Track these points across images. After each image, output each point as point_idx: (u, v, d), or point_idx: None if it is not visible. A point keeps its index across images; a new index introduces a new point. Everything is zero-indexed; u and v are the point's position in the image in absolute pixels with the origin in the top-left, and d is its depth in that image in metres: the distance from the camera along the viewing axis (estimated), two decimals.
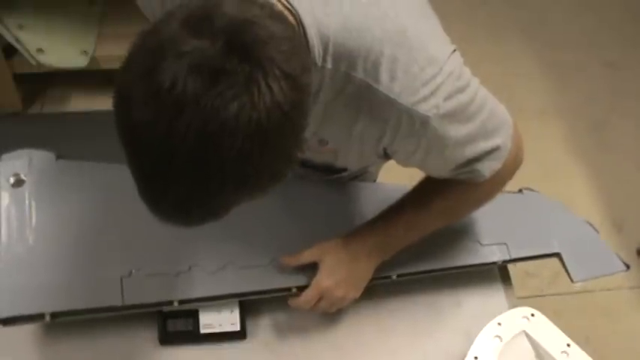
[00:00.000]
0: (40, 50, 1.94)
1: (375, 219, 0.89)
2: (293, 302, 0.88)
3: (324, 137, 0.79)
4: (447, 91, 0.71)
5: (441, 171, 0.82)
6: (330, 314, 0.93)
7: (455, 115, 0.73)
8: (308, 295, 0.86)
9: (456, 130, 0.74)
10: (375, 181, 1.14)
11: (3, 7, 1.91)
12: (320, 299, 0.87)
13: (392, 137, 0.74)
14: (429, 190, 0.87)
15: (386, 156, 0.82)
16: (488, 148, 0.79)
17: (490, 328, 0.88)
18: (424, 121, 0.71)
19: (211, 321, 0.88)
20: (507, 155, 0.82)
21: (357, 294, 0.88)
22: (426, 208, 0.87)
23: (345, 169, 0.97)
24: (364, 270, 0.88)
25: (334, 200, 0.98)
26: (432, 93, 0.70)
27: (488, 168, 0.81)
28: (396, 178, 0.94)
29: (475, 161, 0.79)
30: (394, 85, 0.69)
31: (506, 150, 0.81)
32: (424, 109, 0.70)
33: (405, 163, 0.81)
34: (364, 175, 1.10)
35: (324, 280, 0.86)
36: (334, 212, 0.97)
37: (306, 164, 0.98)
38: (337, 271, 0.86)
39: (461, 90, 0.73)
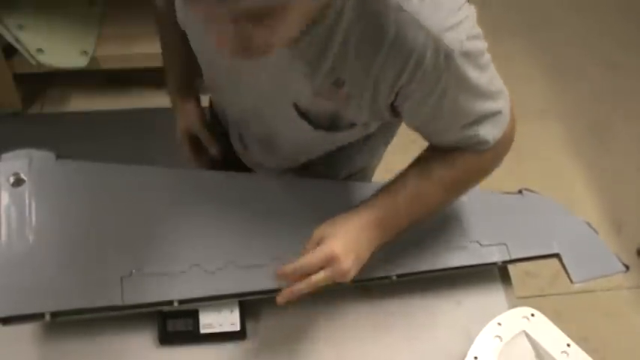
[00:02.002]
0: (40, 50, 1.94)
1: (377, 194, 0.85)
2: (289, 266, 0.78)
3: (340, 76, 0.76)
4: (468, 31, 0.71)
5: (448, 131, 0.81)
6: (330, 314, 0.93)
7: (475, 59, 0.73)
8: (314, 257, 0.77)
9: (474, 74, 0.74)
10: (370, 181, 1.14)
11: (3, 7, 1.91)
12: (321, 268, 0.78)
13: (411, 74, 0.72)
14: (431, 162, 0.85)
15: (393, 112, 0.80)
16: (493, 109, 0.80)
17: (490, 328, 0.88)
18: (448, 55, 0.70)
19: (211, 321, 0.88)
20: (506, 126, 0.82)
21: (356, 272, 0.81)
22: (430, 180, 0.84)
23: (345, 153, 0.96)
24: (369, 245, 0.83)
25: (334, 200, 0.98)
26: (458, 25, 0.70)
27: (490, 134, 0.81)
28: None
29: (479, 123, 0.79)
30: (423, 8, 0.69)
31: (506, 118, 0.82)
32: (449, 39, 0.69)
33: (413, 116, 0.80)
34: (362, 173, 1.10)
35: (336, 245, 0.78)
36: (334, 212, 0.97)
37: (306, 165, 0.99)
38: (347, 242, 0.80)
39: (478, 37, 0.74)
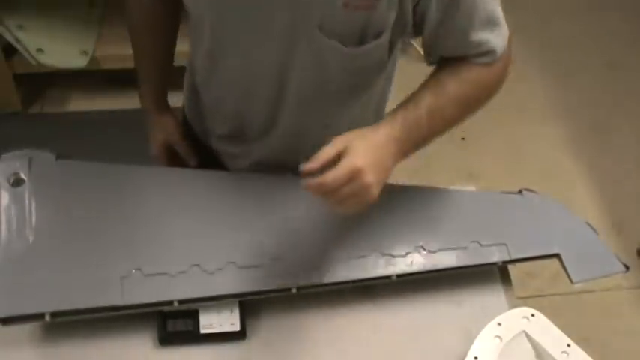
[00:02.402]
0: (40, 50, 1.94)
1: (395, 111, 0.85)
2: (315, 182, 0.75)
3: None
4: None
5: (464, 32, 0.85)
6: (330, 314, 0.93)
7: None
8: (339, 173, 0.75)
9: None
10: None
11: (3, 8, 1.91)
12: (346, 183, 0.76)
13: None
14: (443, 79, 0.88)
15: (415, 16, 0.84)
16: (500, 15, 0.86)
17: (490, 328, 0.88)
18: None
19: (211, 321, 0.88)
20: (506, 42, 0.88)
21: (380, 187, 0.79)
22: (444, 96, 0.87)
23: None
24: (390, 160, 0.82)
25: None
26: None
27: (498, 44, 0.87)
28: (393, 178, 0.93)
29: (490, 28, 0.85)
30: None
31: (507, 33, 0.88)
32: None
33: (436, 11, 0.83)
34: None
35: (358, 159, 0.76)
36: (333, 212, 0.97)
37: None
38: (369, 154, 0.78)
39: None
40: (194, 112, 1.14)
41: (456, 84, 0.88)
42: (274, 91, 0.94)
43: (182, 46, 1.07)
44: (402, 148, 0.84)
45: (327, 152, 0.77)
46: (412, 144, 0.85)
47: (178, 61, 1.12)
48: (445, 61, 0.90)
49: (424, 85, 0.88)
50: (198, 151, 1.14)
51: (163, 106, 1.14)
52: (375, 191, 0.79)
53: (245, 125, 1.04)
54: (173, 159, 1.14)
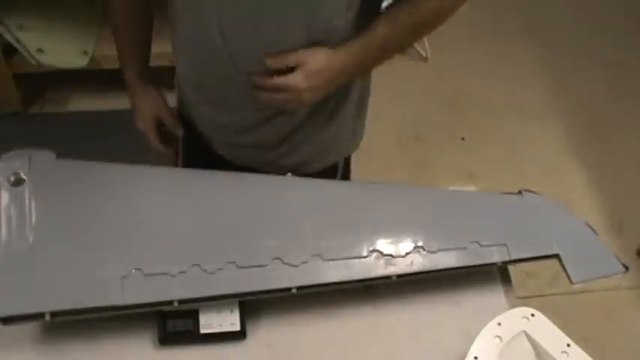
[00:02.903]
0: (40, 50, 1.94)
1: (350, 42, 0.95)
2: (263, 82, 0.95)
3: None
4: None
5: None
6: (330, 314, 0.93)
7: None
8: (278, 82, 0.93)
9: None
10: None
11: (3, 8, 1.91)
12: (283, 91, 0.94)
13: None
14: (398, 10, 0.95)
15: None
16: None
17: (490, 328, 0.88)
18: None
19: (211, 321, 0.88)
20: None
21: (309, 101, 0.97)
22: (397, 26, 0.95)
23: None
24: (329, 84, 0.97)
25: (333, 200, 0.98)
26: None
27: None
28: (393, 178, 0.93)
29: None
30: None
31: None
32: None
33: None
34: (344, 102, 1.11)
35: (301, 82, 0.93)
36: (333, 212, 0.97)
37: None
38: (314, 78, 0.94)
39: None
40: (182, 94, 1.16)
41: (410, 14, 0.94)
42: (270, 39, 0.95)
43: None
44: (347, 74, 0.98)
45: (284, 59, 0.93)
46: (360, 70, 1.00)
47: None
48: None
49: (380, 16, 0.95)
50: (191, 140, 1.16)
51: (147, 80, 1.15)
52: (304, 104, 0.97)
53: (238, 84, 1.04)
54: (160, 133, 1.16)
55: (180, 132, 1.15)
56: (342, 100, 1.10)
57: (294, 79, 0.93)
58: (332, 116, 1.11)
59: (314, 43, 0.94)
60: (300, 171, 1.09)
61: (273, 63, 0.94)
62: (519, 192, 1.07)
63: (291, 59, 0.93)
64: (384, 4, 1.00)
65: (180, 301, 0.85)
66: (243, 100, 1.04)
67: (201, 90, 1.09)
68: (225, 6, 0.92)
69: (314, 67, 0.93)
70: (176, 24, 1.04)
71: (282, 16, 0.91)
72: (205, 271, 0.87)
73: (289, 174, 1.00)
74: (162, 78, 1.20)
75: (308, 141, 1.13)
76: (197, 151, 1.18)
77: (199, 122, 1.15)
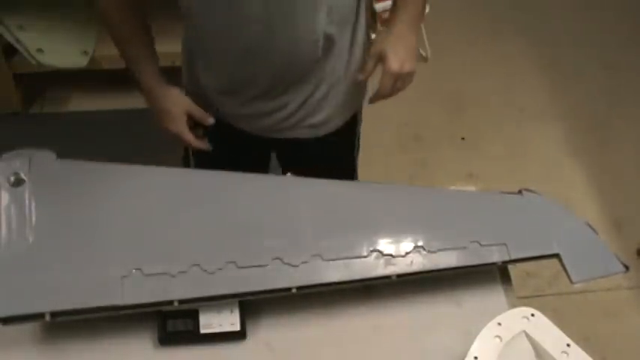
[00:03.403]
0: (40, 50, 1.94)
1: (394, 8, 1.09)
2: (375, 98, 1.09)
3: None
4: None
5: None
6: (330, 314, 0.93)
7: None
8: (387, 82, 1.05)
9: None
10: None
11: (3, 8, 1.91)
12: (395, 81, 1.05)
13: None
14: None
15: None
16: None
17: (490, 328, 0.88)
18: None
19: (211, 321, 0.88)
20: None
21: (415, 64, 1.06)
22: None
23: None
24: (411, 43, 1.07)
25: (333, 200, 0.99)
26: None
27: None
28: (393, 178, 0.94)
29: None
30: None
31: None
32: None
33: None
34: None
35: (393, 64, 1.03)
36: (333, 212, 0.97)
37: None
38: (398, 53, 1.04)
39: None
40: (194, 86, 1.16)
41: None
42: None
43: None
44: (415, 24, 1.08)
45: (370, 65, 1.06)
46: (416, 12, 1.08)
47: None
48: None
49: None
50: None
51: (165, 81, 1.14)
52: (413, 72, 1.07)
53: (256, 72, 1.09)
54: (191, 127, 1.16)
55: (211, 121, 1.15)
56: (352, 47, 1.13)
57: (392, 69, 1.03)
58: (348, 66, 1.14)
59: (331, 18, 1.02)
60: (321, 131, 1.17)
61: (366, 75, 1.08)
62: (519, 192, 1.07)
63: (373, 61, 1.06)
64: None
65: (180, 301, 0.85)
66: (269, 81, 1.09)
67: (225, 79, 1.11)
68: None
69: (391, 51, 1.04)
70: (197, 21, 1.04)
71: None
72: (205, 271, 0.87)
73: (289, 174, 1.00)
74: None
75: (326, 97, 1.15)
76: (219, 133, 1.18)
77: (219, 104, 1.16)
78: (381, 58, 1.04)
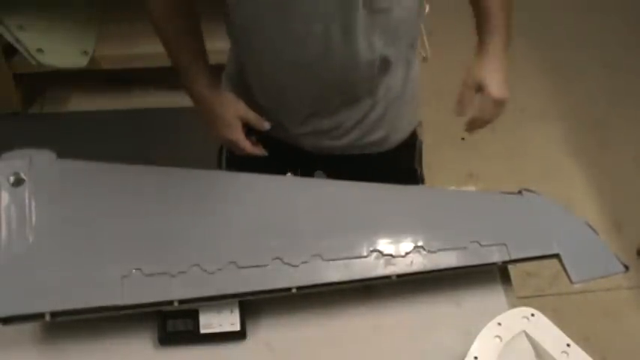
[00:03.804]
0: (40, 50, 1.94)
1: (483, 33, 1.07)
2: (475, 126, 1.08)
3: None
4: None
5: None
6: (330, 314, 0.93)
7: None
8: (488, 109, 1.04)
9: None
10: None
11: (3, 8, 1.91)
12: (495, 108, 1.04)
13: None
14: None
15: None
16: None
17: (490, 328, 0.88)
18: None
19: (211, 321, 0.88)
20: None
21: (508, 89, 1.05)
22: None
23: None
24: (506, 67, 1.05)
25: (334, 200, 0.99)
26: None
27: None
28: None
29: None
30: None
31: None
32: None
33: None
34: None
35: (494, 91, 1.02)
36: (334, 212, 0.97)
37: None
38: (497, 79, 1.03)
39: None
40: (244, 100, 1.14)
41: None
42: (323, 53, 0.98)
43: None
44: (505, 44, 1.06)
45: (468, 95, 1.04)
46: (506, 36, 1.06)
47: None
48: None
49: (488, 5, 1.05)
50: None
51: (219, 87, 1.11)
52: (508, 98, 1.04)
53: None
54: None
55: (267, 126, 1.12)
56: (409, 65, 1.13)
57: (495, 96, 1.02)
58: (404, 84, 1.13)
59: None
60: (378, 149, 1.16)
61: (466, 107, 1.05)
62: (519, 192, 1.07)
63: (473, 89, 1.04)
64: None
65: (180, 301, 0.85)
66: (323, 99, 1.08)
67: (277, 94, 1.09)
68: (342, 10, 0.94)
69: (488, 76, 1.03)
70: (252, 38, 1.03)
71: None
72: (205, 271, 0.87)
73: (289, 174, 1.00)
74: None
75: (383, 117, 1.14)
76: (266, 143, 1.16)
77: (270, 119, 1.14)
78: (481, 86, 1.03)
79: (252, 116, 1.10)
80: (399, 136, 1.21)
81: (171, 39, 1.06)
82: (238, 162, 1.18)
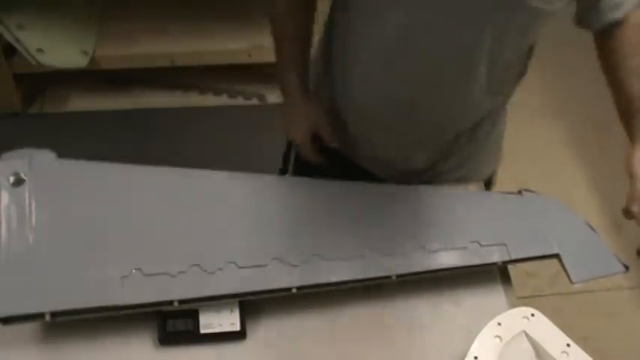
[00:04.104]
0: (40, 50, 1.94)
1: (631, 119, 1.02)
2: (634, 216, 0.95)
3: None
4: None
5: None
6: (330, 314, 0.93)
7: None
8: None
9: None
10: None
11: (3, 7, 1.91)
12: None
13: None
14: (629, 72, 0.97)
15: None
16: None
17: (490, 328, 0.88)
18: None
19: (211, 321, 0.88)
20: None
21: None
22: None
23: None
24: None
25: (333, 200, 0.99)
26: None
27: None
28: None
29: None
30: None
31: None
32: None
33: None
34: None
35: None
36: (333, 212, 0.97)
37: None
38: None
39: None
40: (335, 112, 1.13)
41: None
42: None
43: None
44: None
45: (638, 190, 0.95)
46: None
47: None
48: (602, 34, 0.98)
49: (622, 82, 0.98)
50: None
51: (307, 91, 1.11)
52: None
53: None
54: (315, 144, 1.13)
55: (335, 144, 1.11)
56: (498, 114, 1.12)
57: None
58: (488, 132, 1.12)
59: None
60: (454, 184, 1.13)
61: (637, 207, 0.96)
62: (519, 192, 1.07)
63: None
64: None
65: (180, 301, 0.85)
66: (408, 135, 1.07)
67: (371, 116, 1.08)
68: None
69: None
70: (348, 71, 1.03)
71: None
72: (205, 271, 0.87)
73: (289, 174, 1.00)
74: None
75: (462, 164, 1.14)
76: (337, 162, 1.15)
77: (352, 142, 1.14)
78: None
79: (325, 132, 1.10)
80: (476, 177, 1.19)
81: (285, 38, 1.07)
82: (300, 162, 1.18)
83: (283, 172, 1.27)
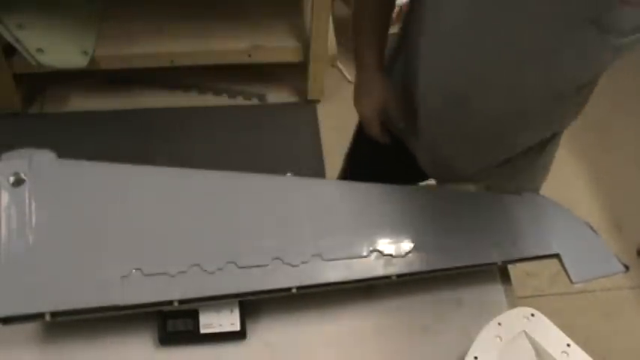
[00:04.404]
0: (40, 50, 1.94)
1: None
2: None
3: None
4: None
5: None
6: (330, 314, 0.93)
7: None
8: None
9: None
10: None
11: (3, 7, 1.91)
12: None
13: None
14: None
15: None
16: None
17: (490, 328, 0.88)
18: None
19: (211, 321, 0.88)
20: None
21: None
22: None
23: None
24: None
25: (333, 200, 0.99)
26: None
27: None
28: None
29: None
30: None
31: None
32: None
33: None
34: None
35: None
36: (333, 212, 0.97)
37: None
38: None
39: None
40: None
41: None
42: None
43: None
44: None
45: None
46: None
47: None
48: None
49: None
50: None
51: (382, 68, 1.12)
52: None
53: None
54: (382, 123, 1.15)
55: (402, 125, 1.13)
56: (546, 148, 1.16)
57: None
58: (540, 151, 1.15)
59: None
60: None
61: None
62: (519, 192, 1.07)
63: None
64: None
65: (180, 301, 0.85)
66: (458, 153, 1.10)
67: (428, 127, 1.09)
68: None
69: None
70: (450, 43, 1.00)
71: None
72: (205, 271, 0.87)
73: (289, 174, 1.00)
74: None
75: (514, 176, 1.15)
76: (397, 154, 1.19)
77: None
78: None
79: (393, 110, 1.12)
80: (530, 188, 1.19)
81: (366, 11, 1.08)
82: (366, 143, 1.21)
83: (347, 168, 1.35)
